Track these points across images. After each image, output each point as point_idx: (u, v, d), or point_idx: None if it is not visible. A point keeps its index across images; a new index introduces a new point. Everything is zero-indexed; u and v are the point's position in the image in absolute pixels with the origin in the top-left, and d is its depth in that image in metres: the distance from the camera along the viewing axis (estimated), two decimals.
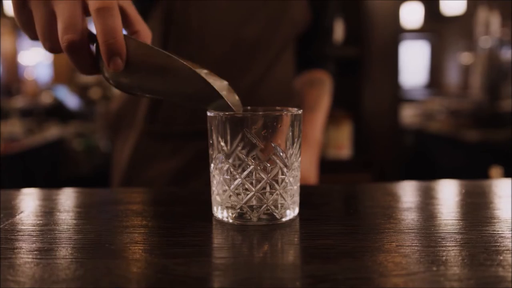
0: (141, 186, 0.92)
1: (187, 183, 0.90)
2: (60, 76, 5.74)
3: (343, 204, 0.61)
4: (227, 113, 0.48)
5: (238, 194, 0.48)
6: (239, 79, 0.90)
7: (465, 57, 4.94)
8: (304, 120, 0.88)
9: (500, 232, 0.45)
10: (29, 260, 0.40)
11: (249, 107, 0.54)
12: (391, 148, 2.33)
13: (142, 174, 0.93)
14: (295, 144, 0.49)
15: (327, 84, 1.03)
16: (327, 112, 1.01)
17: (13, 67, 6.11)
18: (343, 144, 2.16)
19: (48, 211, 0.57)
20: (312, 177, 0.88)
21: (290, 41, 0.97)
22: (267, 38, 0.91)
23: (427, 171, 3.16)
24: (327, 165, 2.14)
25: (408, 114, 3.59)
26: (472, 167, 2.47)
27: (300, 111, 0.50)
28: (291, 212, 0.50)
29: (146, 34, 0.54)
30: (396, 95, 2.32)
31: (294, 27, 0.95)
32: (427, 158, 3.19)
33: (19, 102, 4.19)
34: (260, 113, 0.48)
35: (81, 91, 5.15)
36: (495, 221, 0.49)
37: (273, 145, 0.47)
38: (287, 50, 0.97)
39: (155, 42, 0.91)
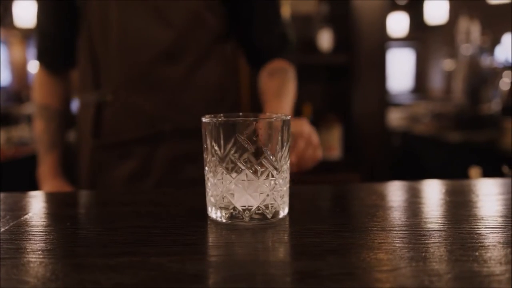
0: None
1: (137, 186, 0.91)
2: None
3: (330, 204, 0.61)
4: (220, 119, 0.48)
5: (231, 195, 0.48)
6: (160, 85, 0.89)
7: (448, 64, 4.96)
8: (271, 107, 0.82)
9: (476, 229, 0.45)
10: (33, 259, 0.39)
11: (240, 113, 0.54)
12: (379, 149, 2.34)
13: (100, 183, 0.94)
14: (284, 148, 0.49)
15: (290, 71, 0.92)
16: (294, 98, 0.90)
17: (23, 75, 6.09)
18: (333, 146, 2.17)
19: (52, 213, 0.57)
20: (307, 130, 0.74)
21: (211, 46, 0.93)
22: (183, 43, 0.89)
23: (413, 171, 3.17)
24: (318, 166, 2.14)
25: (395, 117, 3.59)
26: (455, 166, 2.48)
27: (289, 117, 0.50)
28: (281, 212, 0.50)
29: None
30: (383, 99, 2.33)
31: (210, 31, 0.92)
32: (413, 158, 3.20)
33: (28, 108, 4.17)
34: (251, 119, 0.48)
35: None
36: (471, 219, 0.49)
37: (263, 149, 0.47)
38: (210, 56, 0.93)
39: (85, 43, 0.92)
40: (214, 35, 0.93)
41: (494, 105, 2.77)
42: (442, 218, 0.50)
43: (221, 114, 0.51)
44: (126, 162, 0.91)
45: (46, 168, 1.00)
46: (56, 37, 0.99)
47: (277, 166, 0.48)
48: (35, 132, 1.04)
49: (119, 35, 0.88)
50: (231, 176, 0.48)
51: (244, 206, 0.48)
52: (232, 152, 0.47)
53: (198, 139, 0.90)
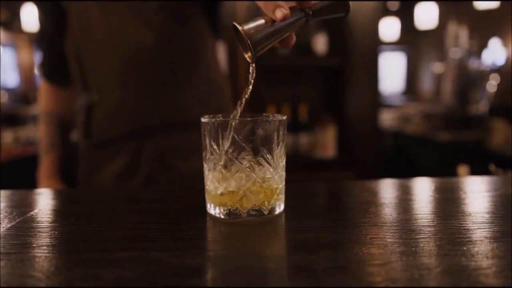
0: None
1: (127, 183, 0.90)
2: None
3: (324, 201, 0.61)
4: (218, 119, 0.48)
5: (229, 192, 0.48)
6: (145, 81, 0.87)
7: (437, 67, 4.98)
8: None
9: (464, 225, 0.45)
10: (38, 254, 0.39)
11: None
12: (372, 148, 2.33)
13: (93, 182, 0.94)
14: (280, 147, 0.49)
15: None
16: None
17: (30, 77, 6.07)
18: (328, 145, 2.16)
19: (57, 209, 0.56)
20: None
21: (196, 42, 0.90)
22: (165, 41, 0.86)
23: (405, 169, 3.17)
24: (313, 164, 2.14)
25: (387, 118, 3.59)
26: (444, 164, 2.48)
27: (285, 117, 0.50)
28: (277, 208, 0.50)
29: None
30: (376, 100, 2.33)
31: (192, 28, 0.88)
32: (404, 157, 3.20)
33: (35, 109, 4.16)
34: (248, 119, 0.48)
35: None
36: (460, 215, 0.49)
37: (260, 147, 0.47)
38: (196, 52, 0.91)
39: (71, 47, 0.92)
40: (197, 31, 0.91)
41: (482, 106, 2.78)
42: (432, 214, 0.50)
43: (220, 114, 0.51)
44: (116, 159, 0.90)
45: (43, 168, 1.01)
46: (53, 51, 0.98)
47: (273, 164, 0.48)
48: (39, 135, 1.05)
49: (100, 36, 0.87)
50: (229, 174, 0.47)
51: (242, 203, 0.48)
52: (230, 150, 0.47)
53: (185, 134, 0.90)
